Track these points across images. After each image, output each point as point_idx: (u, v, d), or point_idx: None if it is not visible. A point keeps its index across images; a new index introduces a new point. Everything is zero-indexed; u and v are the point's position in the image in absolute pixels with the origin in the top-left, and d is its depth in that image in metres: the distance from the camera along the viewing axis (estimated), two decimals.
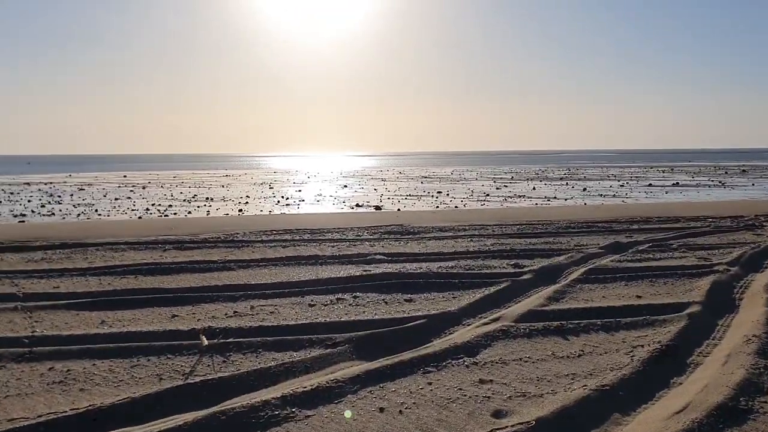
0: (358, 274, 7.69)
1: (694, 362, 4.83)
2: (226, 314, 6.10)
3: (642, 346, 5.11)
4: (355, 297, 6.71)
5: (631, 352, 4.99)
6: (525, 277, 7.48)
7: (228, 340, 5.23)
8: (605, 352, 5.02)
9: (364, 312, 6.16)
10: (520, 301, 6.56)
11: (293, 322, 5.74)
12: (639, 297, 6.59)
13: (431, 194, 30.54)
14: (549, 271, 7.86)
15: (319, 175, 55.33)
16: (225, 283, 7.28)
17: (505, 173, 54.45)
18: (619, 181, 40.04)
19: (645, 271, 7.69)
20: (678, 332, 5.35)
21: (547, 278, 7.57)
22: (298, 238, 11.10)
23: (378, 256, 8.91)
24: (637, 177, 45.00)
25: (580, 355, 4.95)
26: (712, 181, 38.81)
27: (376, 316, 5.94)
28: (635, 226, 12.19)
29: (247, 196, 29.27)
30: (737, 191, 29.97)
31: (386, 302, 6.53)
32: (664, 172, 51.68)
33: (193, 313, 6.15)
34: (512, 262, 8.38)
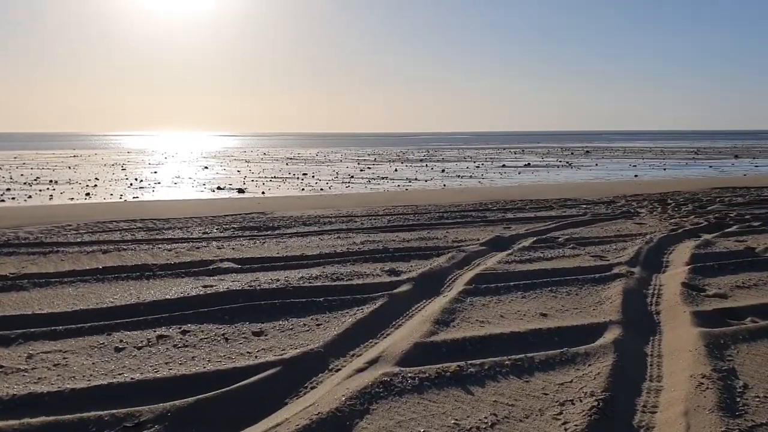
0: (194, 293, 5.74)
1: (644, 426, 3.39)
2: None
3: (572, 402, 3.60)
4: (184, 332, 4.79)
5: (561, 414, 3.47)
6: (403, 288, 5.86)
7: None
8: (526, 416, 3.47)
9: (192, 359, 4.26)
10: (401, 326, 4.93)
11: (83, 384, 3.76)
12: (544, 316, 5.14)
13: (296, 176, 28.72)
14: (430, 278, 6.31)
15: (178, 156, 51.53)
16: (1, 314, 5.09)
17: (369, 155, 53.26)
18: (474, 162, 40.02)
19: (540, 276, 6.30)
20: (609, 374, 3.91)
21: (430, 289, 6.01)
22: (129, 237, 8.90)
23: (225, 264, 6.98)
24: (491, 158, 45.31)
25: (493, 425, 3.37)
26: (560, 161, 39.63)
27: (209, 367, 4.07)
28: (510, 215, 10.96)
29: (96, 179, 26.02)
30: (584, 171, 30.64)
31: (227, 338, 4.66)
32: (515, 153, 52.57)
33: None
34: (386, 267, 6.74)
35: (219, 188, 22.66)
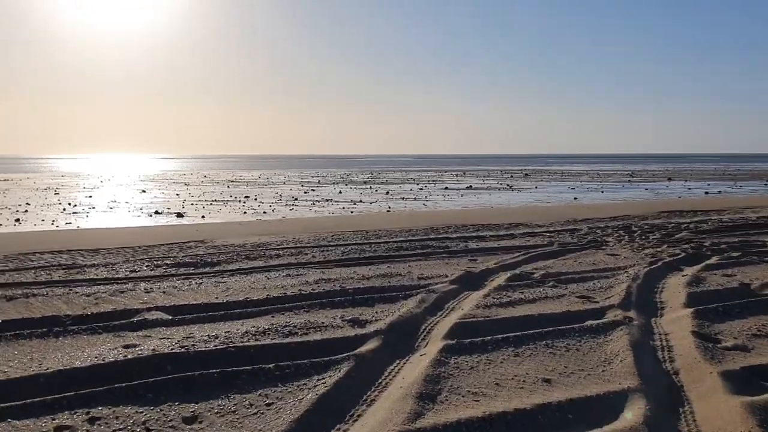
0: (111, 358, 4.47)
1: None
2: None
3: None
4: (92, 420, 3.54)
5: None
6: (371, 345, 4.75)
7: None
8: None
9: None
10: (375, 402, 3.82)
11: None
12: (548, 382, 4.11)
13: (238, 199, 27.35)
14: (401, 329, 5.22)
15: (114, 179, 49.04)
16: None
17: (312, 177, 52.03)
18: (418, 184, 39.42)
19: (529, 325, 5.28)
20: None
21: (403, 344, 4.92)
22: (44, 278, 7.50)
23: (153, 314, 5.72)
24: (434, 180, 44.80)
25: None
26: (501, 184, 39.39)
27: None
28: (473, 245, 9.97)
29: (28, 204, 24.07)
30: (525, 194, 30.37)
31: (149, 429, 3.45)
32: (457, 176, 52.26)
33: None
34: (348, 315, 5.60)
35: (157, 212, 21.28)
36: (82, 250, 10.59)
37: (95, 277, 7.63)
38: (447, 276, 7.27)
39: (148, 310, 5.86)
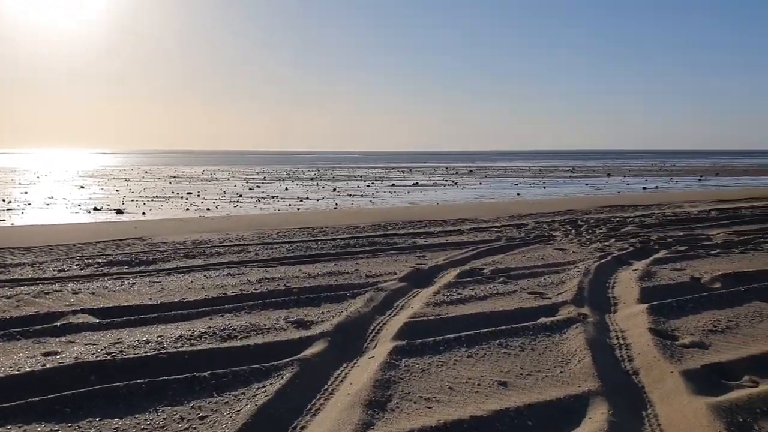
0: (28, 367, 3.99)
1: None
2: None
3: None
4: None
5: None
6: (317, 347, 4.40)
7: None
8: None
9: None
10: (321, 411, 3.49)
11: None
12: (504, 385, 3.85)
13: (181, 195, 26.51)
14: (348, 329, 4.89)
15: (52, 175, 47.03)
16: None
17: (258, 173, 51.05)
18: (365, 181, 39.08)
19: (481, 323, 5.01)
20: None
21: (350, 346, 4.59)
22: None
23: (79, 317, 5.22)
24: (380, 177, 44.52)
25: None
26: (446, 181, 39.40)
27: None
28: (421, 241, 9.69)
29: None
30: (470, 190, 30.42)
31: None
32: (403, 173, 52.10)
33: None
34: (292, 317, 5.23)
35: (96, 209, 20.42)
36: (11, 248, 9.91)
37: (19, 277, 7.03)
38: (395, 273, 6.96)
39: (74, 313, 5.35)
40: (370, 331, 4.94)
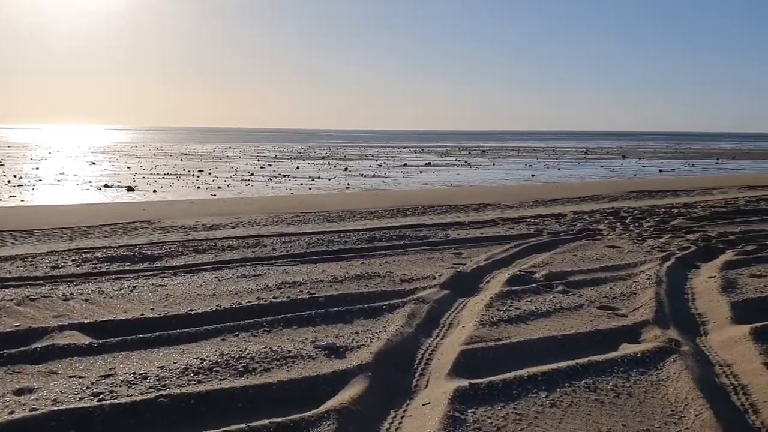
0: None
1: None
2: None
3: None
4: None
5: None
6: (356, 389, 3.42)
7: None
8: None
9: None
10: None
11: None
12: None
13: (192, 173, 25.65)
14: (391, 359, 3.92)
15: (63, 150, 46.21)
16: None
17: (269, 151, 50.01)
18: (377, 160, 38.01)
19: (553, 352, 4.02)
20: None
21: (396, 384, 3.63)
22: None
23: (66, 335, 4.27)
24: (392, 157, 43.41)
25: None
26: (459, 161, 38.31)
27: None
28: (454, 234, 8.66)
29: None
30: (483, 171, 29.42)
31: None
32: (415, 152, 50.94)
33: None
34: (321, 339, 4.26)
35: (106, 186, 19.73)
36: (14, 230, 9.12)
37: (6, 275, 6.10)
38: (434, 277, 5.96)
39: (61, 329, 4.41)
40: (417, 362, 3.96)
